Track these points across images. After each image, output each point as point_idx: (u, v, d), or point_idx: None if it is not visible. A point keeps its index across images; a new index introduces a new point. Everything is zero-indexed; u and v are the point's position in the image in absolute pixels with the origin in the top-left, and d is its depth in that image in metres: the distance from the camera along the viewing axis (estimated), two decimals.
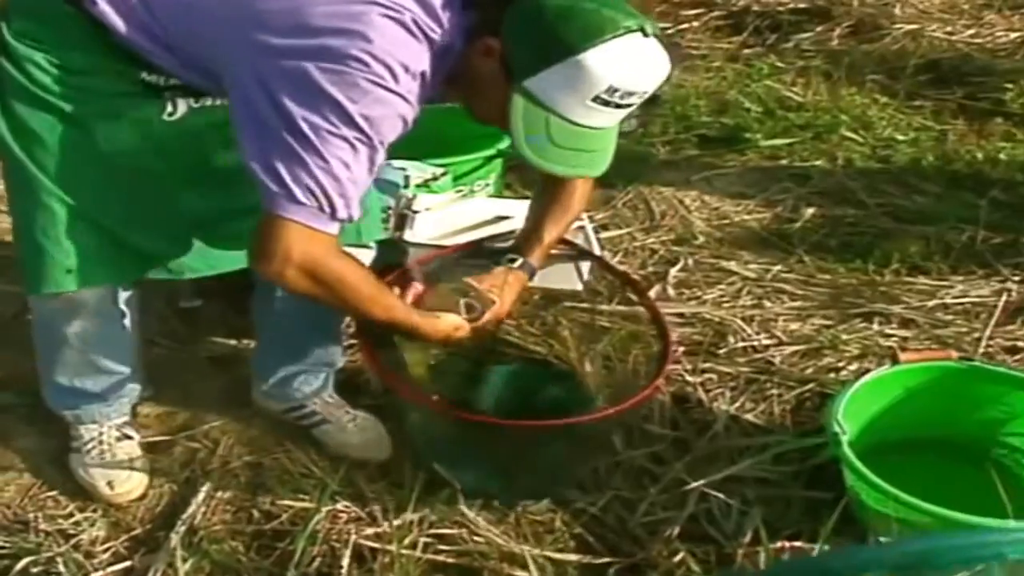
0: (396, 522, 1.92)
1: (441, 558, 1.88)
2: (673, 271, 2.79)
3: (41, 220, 1.74)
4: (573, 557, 1.90)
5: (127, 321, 1.93)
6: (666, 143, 3.56)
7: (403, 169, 2.49)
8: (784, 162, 3.44)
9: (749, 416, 2.26)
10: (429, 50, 1.56)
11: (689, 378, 2.36)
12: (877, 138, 3.57)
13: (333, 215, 1.56)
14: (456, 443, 2.01)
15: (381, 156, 1.59)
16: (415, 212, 2.36)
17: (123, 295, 1.89)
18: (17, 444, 2.12)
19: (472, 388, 2.10)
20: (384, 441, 2.12)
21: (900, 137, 3.57)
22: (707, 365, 2.41)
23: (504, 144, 2.69)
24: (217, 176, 1.78)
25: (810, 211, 3.11)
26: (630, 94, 1.55)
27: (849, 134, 3.57)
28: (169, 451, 2.12)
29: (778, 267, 2.83)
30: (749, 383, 2.35)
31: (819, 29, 4.41)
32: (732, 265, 2.83)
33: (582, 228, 2.58)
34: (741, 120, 3.63)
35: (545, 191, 2.01)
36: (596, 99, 1.53)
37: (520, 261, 1.99)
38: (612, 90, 1.52)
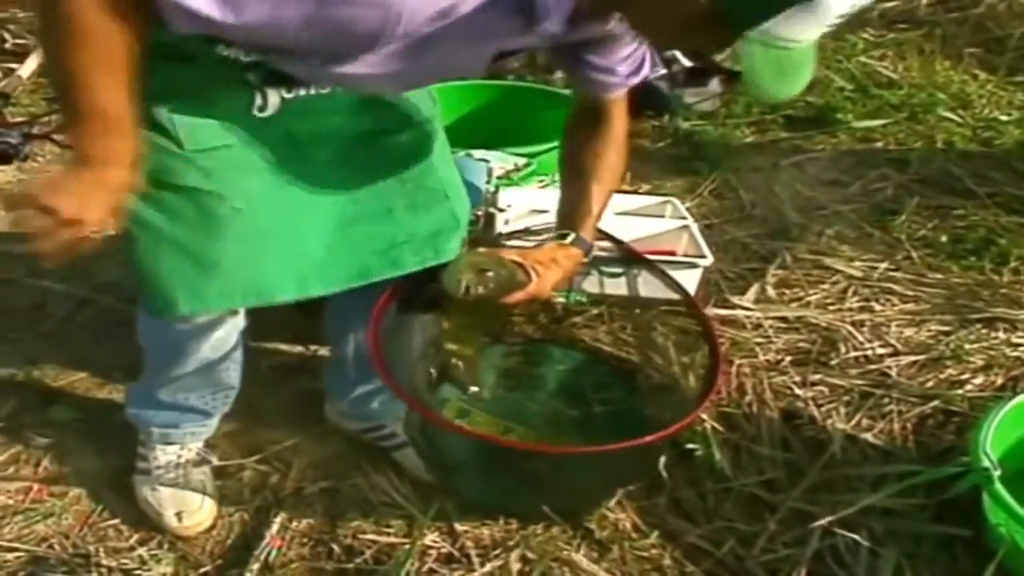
0: (494, 563, 1.74)
1: None
2: (771, 268, 2.58)
3: (160, 237, 1.48)
4: None
5: (243, 331, 1.72)
6: (750, 124, 3.33)
7: (486, 160, 2.28)
8: (879, 145, 3.21)
9: (867, 436, 2.04)
10: None
11: (799, 391, 2.15)
12: (977, 118, 3.33)
13: None
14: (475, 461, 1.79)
15: None
16: (500, 210, 2.16)
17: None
18: (75, 464, 1.94)
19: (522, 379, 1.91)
20: None
21: (1003, 117, 3.33)
22: (817, 377, 2.19)
23: None
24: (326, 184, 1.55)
25: (913, 201, 2.88)
26: None
27: (947, 114, 3.33)
28: (238, 475, 1.93)
29: (884, 264, 2.60)
30: (864, 398, 2.14)
31: None
32: (834, 262, 2.61)
33: (687, 228, 2.35)
34: (831, 99, 3.39)
35: (580, 155, 1.66)
36: None
37: (572, 236, 1.65)
38: None
